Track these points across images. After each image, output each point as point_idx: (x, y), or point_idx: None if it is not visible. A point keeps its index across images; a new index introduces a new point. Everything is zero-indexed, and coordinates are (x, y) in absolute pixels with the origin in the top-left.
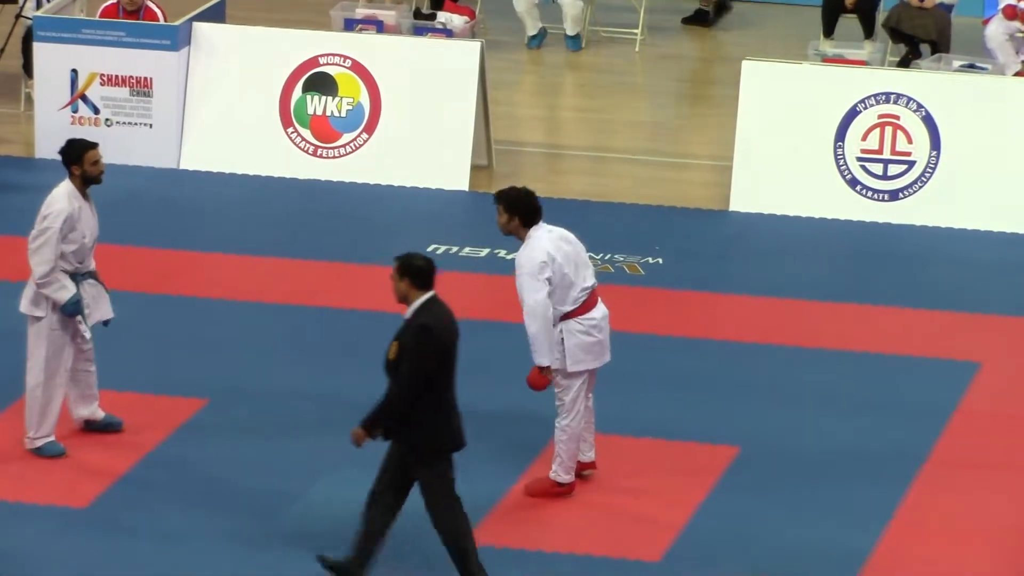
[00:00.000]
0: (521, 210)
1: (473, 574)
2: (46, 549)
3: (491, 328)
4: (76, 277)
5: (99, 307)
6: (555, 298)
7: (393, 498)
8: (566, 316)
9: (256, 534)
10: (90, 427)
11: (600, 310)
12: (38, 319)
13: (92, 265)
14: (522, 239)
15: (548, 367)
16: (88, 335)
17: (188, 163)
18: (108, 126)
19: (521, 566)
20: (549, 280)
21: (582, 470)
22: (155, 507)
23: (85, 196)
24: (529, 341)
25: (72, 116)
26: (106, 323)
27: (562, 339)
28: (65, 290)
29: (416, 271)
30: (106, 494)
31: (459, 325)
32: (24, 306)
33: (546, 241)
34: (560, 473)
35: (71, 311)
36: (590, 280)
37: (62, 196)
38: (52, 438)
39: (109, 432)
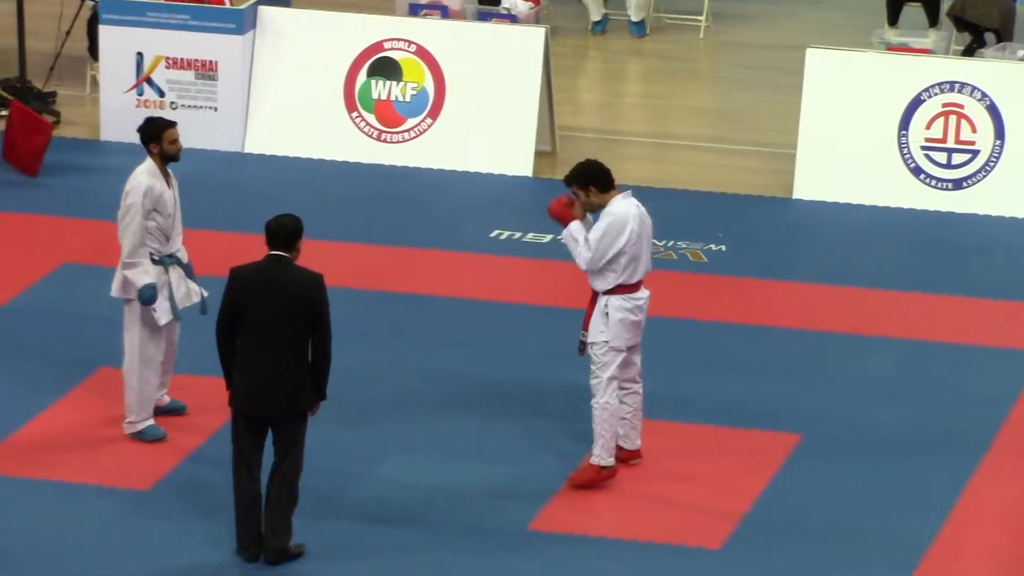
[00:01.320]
0: (590, 177)
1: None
2: (109, 531)
3: (553, 314)
4: (163, 260)
5: (183, 293)
6: (615, 267)
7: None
8: (612, 291)
9: (319, 514)
10: (155, 412)
11: (645, 292)
12: (130, 301)
13: (178, 247)
14: (605, 204)
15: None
16: (162, 321)
17: (252, 147)
18: (173, 109)
19: (582, 553)
20: (622, 250)
21: (629, 459)
22: (218, 488)
23: (165, 175)
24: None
25: (137, 99)
26: (202, 309)
27: (607, 312)
28: (146, 275)
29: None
30: (169, 476)
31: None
32: (114, 289)
33: (634, 217)
34: (604, 456)
35: (145, 298)
36: (648, 267)
37: (143, 172)
38: (152, 421)
39: (173, 415)
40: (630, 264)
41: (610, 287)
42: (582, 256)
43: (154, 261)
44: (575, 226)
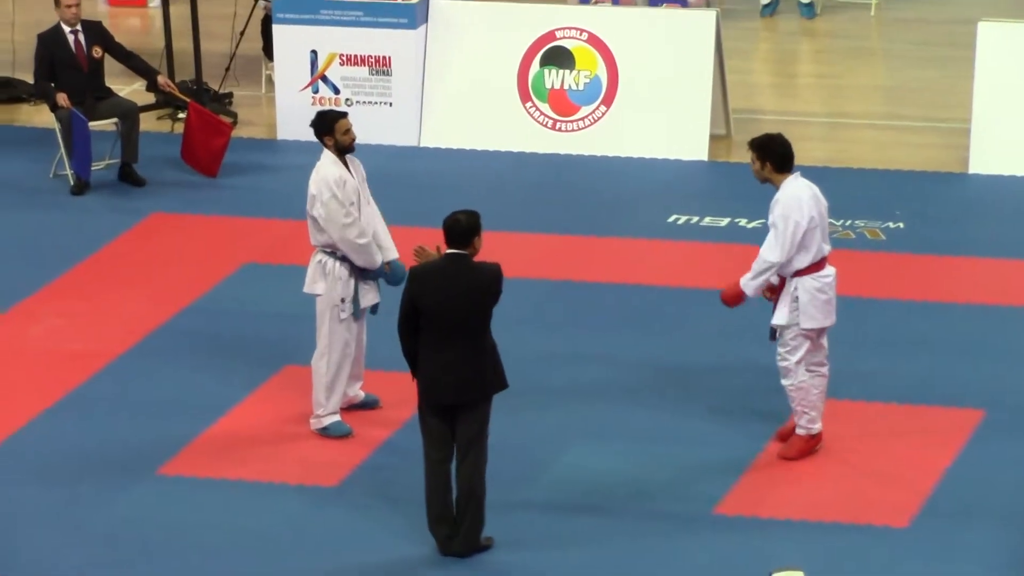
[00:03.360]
0: (771, 153)
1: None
2: (297, 528)
3: None
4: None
5: (367, 292)
6: (798, 251)
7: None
8: (801, 272)
9: (506, 503)
10: (349, 407)
11: (831, 269)
12: (320, 297)
13: (377, 238)
14: (776, 186)
15: (745, 297)
16: (343, 316)
17: (428, 140)
18: (348, 105)
19: (768, 536)
20: (806, 228)
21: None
22: (407, 480)
23: (346, 166)
24: (756, 265)
25: (313, 97)
26: (374, 309)
27: (796, 296)
28: (378, 254)
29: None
30: (357, 470)
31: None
32: (306, 285)
33: (807, 195)
34: (810, 427)
35: (378, 276)
36: (828, 244)
37: (325, 164)
38: (338, 417)
39: (367, 410)
40: (807, 247)
41: (797, 268)
42: (772, 250)
43: (337, 256)
44: (750, 286)
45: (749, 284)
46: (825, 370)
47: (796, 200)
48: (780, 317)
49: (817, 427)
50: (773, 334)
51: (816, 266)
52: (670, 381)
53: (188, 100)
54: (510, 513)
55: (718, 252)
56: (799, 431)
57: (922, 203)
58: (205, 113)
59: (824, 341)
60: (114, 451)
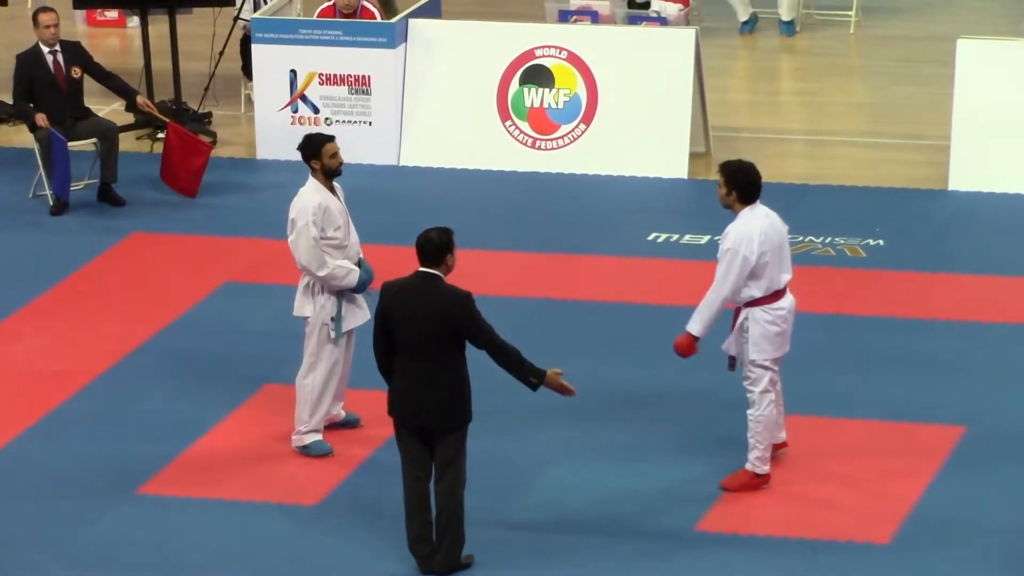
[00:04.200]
0: (740, 183)
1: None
2: (279, 548)
3: None
4: None
5: (352, 314)
6: (748, 281)
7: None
8: (753, 303)
9: (488, 522)
10: (330, 425)
11: (788, 300)
12: (309, 318)
13: (354, 261)
14: (736, 213)
15: (696, 338)
16: (332, 336)
17: (408, 159)
18: (328, 125)
19: (752, 553)
20: (745, 259)
21: (776, 450)
22: (387, 499)
23: (331, 190)
24: (701, 304)
25: (292, 116)
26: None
27: (746, 327)
28: (352, 273)
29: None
30: (338, 489)
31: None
32: (295, 308)
33: (760, 227)
34: (758, 464)
35: (363, 286)
36: (788, 274)
37: (307, 191)
38: (319, 436)
39: (347, 428)
40: (759, 277)
41: (749, 299)
42: (717, 287)
43: None
44: (697, 326)
45: (695, 325)
46: (778, 386)
47: (747, 234)
48: (729, 345)
49: (765, 468)
50: (732, 363)
51: (769, 298)
52: (650, 399)
53: (168, 120)
54: (491, 531)
55: (698, 270)
56: (747, 465)
57: (902, 220)
58: (184, 133)
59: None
60: (95, 470)
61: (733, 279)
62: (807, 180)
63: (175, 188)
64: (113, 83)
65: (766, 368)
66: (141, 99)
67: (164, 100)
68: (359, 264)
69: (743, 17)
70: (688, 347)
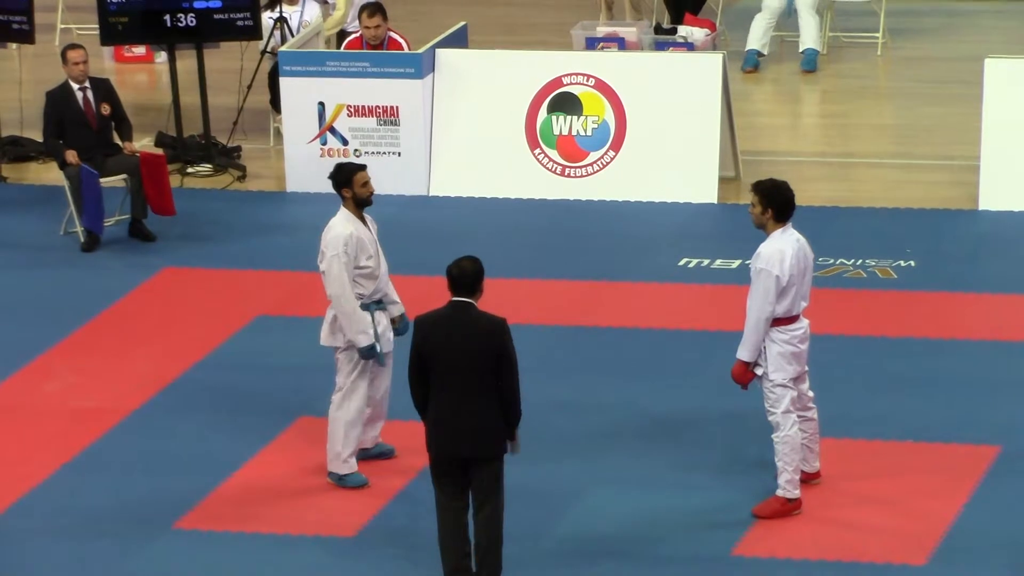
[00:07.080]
0: (776, 201)
1: None
2: None
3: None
4: (369, 307)
5: (386, 339)
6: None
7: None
8: (772, 323)
9: (524, 550)
10: (363, 455)
11: (803, 322)
12: (339, 348)
13: (387, 291)
14: (768, 234)
15: (748, 364)
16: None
17: (438, 189)
18: (357, 156)
19: (788, 575)
20: (777, 279)
21: (807, 479)
22: (423, 529)
23: (362, 220)
24: (746, 328)
25: (321, 148)
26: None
27: (764, 347)
28: (364, 336)
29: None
30: (374, 520)
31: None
32: (323, 338)
33: (792, 250)
34: (788, 489)
35: (364, 356)
36: (806, 302)
37: (339, 221)
38: (355, 469)
39: (382, 459)
40: (787, 298)
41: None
42: (756, 307)
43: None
44: (746, 352)
45: (745, 351)
46: (812, 413)
47: (780, 253)
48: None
49: (796, 493)
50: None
51: (787, 320)
52: (685, 424)
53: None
54: (528, 560)
55: (730, 294)
56: (778, 492)
57: (933, 241)
58: (145, 155)
59: (805, 387)
60: (130, 507)
61: (770, 298)
62: (837, 202)
63: (161, 212)
64: (119, 127)
65: (785, 387)
66: (127, 146)
67: (193, 135)
68: (401, 318)
69: (751, 45)
70: (743, 374)
